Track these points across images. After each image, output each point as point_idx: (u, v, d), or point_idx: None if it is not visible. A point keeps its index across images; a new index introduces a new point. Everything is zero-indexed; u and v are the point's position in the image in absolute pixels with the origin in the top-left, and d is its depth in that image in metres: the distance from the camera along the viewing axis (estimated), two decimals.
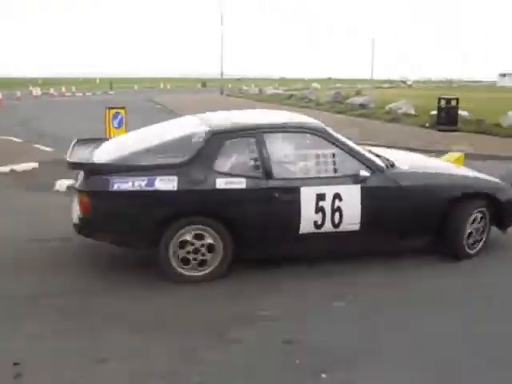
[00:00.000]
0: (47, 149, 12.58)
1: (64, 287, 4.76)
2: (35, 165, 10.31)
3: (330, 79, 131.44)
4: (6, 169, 9.89)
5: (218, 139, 4.87)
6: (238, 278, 4.96)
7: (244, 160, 4.88)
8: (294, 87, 60.71)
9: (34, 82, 71.53)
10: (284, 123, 5.32)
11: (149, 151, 4.86)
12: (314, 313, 4.35)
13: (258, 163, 4.85)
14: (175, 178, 4.66)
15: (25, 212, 7.17)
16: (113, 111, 8.54)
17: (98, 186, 4.66)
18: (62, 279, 4.93)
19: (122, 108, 8.78)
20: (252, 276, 5.04)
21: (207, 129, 5.01)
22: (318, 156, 5.05)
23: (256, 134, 4.95)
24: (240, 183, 4.77)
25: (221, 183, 4.72)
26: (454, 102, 17.34)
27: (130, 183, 4.61)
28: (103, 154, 5.10)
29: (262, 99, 38.19)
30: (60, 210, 6.43)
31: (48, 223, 6.57)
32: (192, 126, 5.31)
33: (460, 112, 17.71)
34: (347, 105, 26.87)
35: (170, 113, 27.61)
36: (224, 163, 4.81)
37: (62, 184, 8.53)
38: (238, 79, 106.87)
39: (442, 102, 17.40)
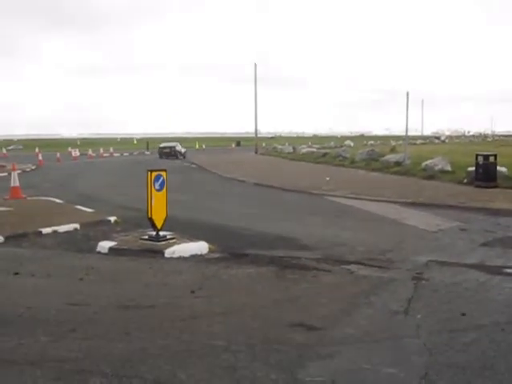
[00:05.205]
0: (88, 210, 12.82)
1: None
2: (77, 226, 10.52)
3: (362, 136, 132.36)
4: (48, 230, 10.09)
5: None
6: None
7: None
8: (327, 145, 61.23)
9: (72, 143, 73.81)
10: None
11: None
12: None
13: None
14: None
15: (66, 275, 7.25)
16: (154, 174, 8.66)
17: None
18: None
19: (164, 170, 8.91)
20: None
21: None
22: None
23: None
24: None
25: None
26: (492, 158, 17.19)
27: None
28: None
29: (296, 158, 38.48)
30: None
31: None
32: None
33: (498, 168, 17.51)
34: (382, 162, 26.79)
35: (205, 171, 28.07)
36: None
37: (104, 246, 8.63)
38: (272, 137, 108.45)
39: (480, 159, 17.24)
